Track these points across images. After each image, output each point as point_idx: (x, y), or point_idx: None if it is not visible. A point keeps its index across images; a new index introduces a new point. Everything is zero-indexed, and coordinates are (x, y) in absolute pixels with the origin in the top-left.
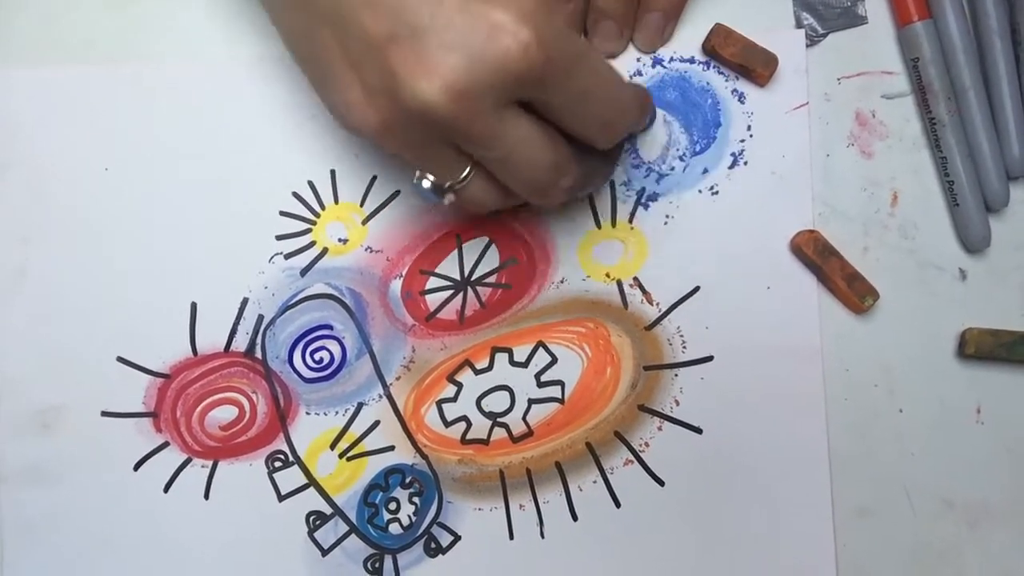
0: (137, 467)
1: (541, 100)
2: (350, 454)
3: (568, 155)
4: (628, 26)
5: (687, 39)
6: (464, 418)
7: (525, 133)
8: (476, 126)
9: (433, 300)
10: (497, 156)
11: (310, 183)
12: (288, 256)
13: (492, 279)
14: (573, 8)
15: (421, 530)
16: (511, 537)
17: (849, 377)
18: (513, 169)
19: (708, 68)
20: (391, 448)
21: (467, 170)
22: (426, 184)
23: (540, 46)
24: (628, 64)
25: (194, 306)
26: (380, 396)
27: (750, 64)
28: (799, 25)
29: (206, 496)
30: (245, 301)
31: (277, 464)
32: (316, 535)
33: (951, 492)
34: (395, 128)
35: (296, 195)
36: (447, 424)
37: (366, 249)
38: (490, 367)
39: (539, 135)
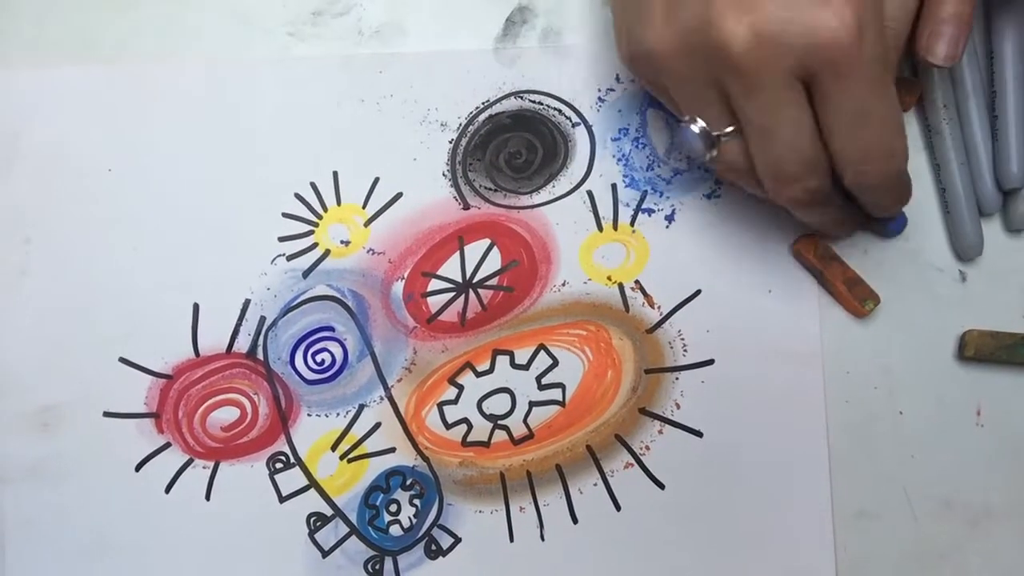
0: (139, 468)
1: (827, 92)
2: (351, 456)
3: (826, 163)
4: (966, 33)
5: None
6: (465, 420)
7: (798, 114)
8: (762, 80)
9: (435, 302)
10: (762, 123)
11: (312, 185)
12: (290, 258)
13: (494, 281)
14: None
15: (421, 532)
16: (511, 539)
17: (849, 379)
18: (770, 143)
19: None
20: (392, 450)
21: (730, 128)
22: (696, 128)
23: (857, 33)
24: None
25: (196, 307)
26: (381, 398)
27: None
28: None
29: (207, 497)
30: (247, 302)
31: (278, 465)
32: (317, 536)
33: (951, 494)
34: (686, 54)
35: (298, 196)
36: (448, 426)
37: (368, 251)
38: (491, 369)
39: (810, 124)
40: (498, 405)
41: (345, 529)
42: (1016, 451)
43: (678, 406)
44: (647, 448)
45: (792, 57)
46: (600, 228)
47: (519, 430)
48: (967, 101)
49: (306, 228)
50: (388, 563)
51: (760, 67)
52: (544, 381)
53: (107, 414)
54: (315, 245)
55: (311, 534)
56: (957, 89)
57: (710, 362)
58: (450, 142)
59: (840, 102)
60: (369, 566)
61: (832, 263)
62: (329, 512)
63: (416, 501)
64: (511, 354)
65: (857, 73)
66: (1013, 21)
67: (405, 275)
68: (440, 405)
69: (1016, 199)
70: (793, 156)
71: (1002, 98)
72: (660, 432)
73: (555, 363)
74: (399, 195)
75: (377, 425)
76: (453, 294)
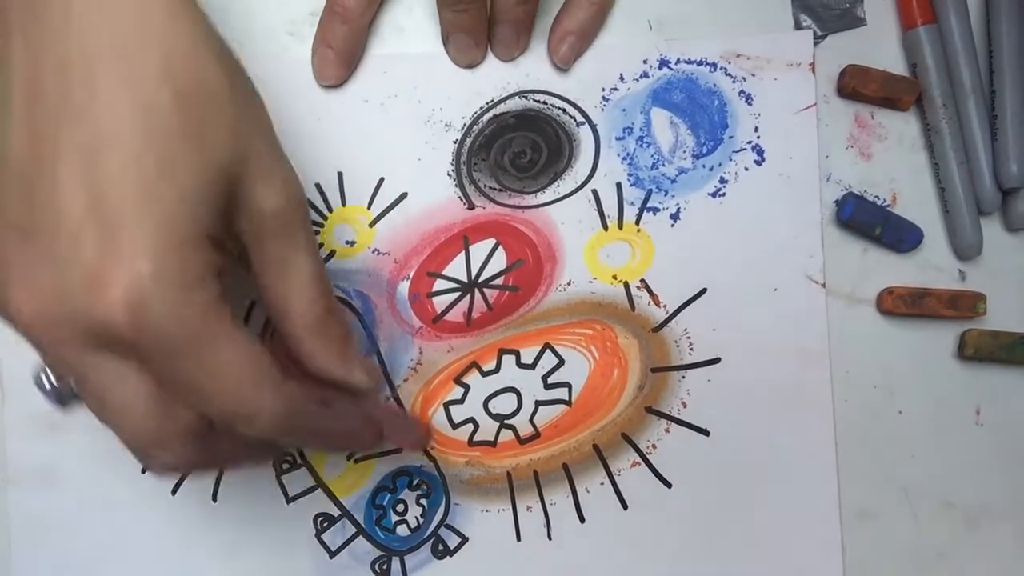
0: (145, 469)
1: (147, 366)
2: (357, 456)
3: (179, 430)
4: (525, 32)
5: (696, 41)
6: (471, 420)
7: (116, 380)
8: (54, 352)
9: (440, 302)
10: (86, 393)
11: (317, 185)
12: None
13: (499, 281)
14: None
15: (428, 532)
16: (518, 539)
17: (849, 378)
18: (103, 414)
19: (715, 70)
20: (399, 450)
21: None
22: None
23: (138, 315)
24: (634, 66)
25: None
26: (388, 398)
27: (895, 95)
28: (798, 27)
29: (214, 498)
30: (252, 303)
31: (285, 466)
32: (323, 537)
33: (951, 493)
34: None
35: None
36: (454, 426)
37: (373, 251)
38: (497, 369)
39: (140, 389)
40: (504, 405)
41: (352, 529)
42: (1016, 451)
43: (685, 405)
44: (654, 447)
45: (74, 331)
46: (605, 227)
47: (525, 429)
48: (966, 100)
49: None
50: (395, 563)
51: (46, 340)
52: (550, 380)
53: None
54: (320, 246)
55: (318, 534)
56: (956, 88)
57: (716, 360)
58: (455, 142)
59: (166, 378)
60: (376, 566)
61: (923, 300)
62: (336, 512)
63: (423, 501)
64: (517, 353)
65: (161, 353)
66: (1012, 21)
67: (410, 275)
68: (446, 405)
69: (1015, 198)
70: (134, 427)
71: (1001, 97)
72: (667, 431)
73: (561, 362)
74: (404, 195)
75: None
76: (458, 294)
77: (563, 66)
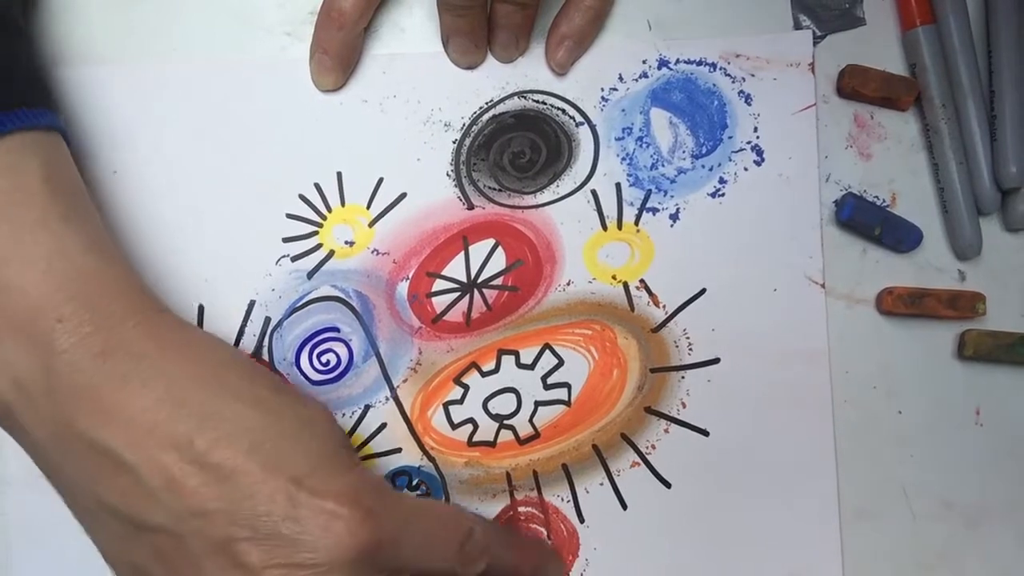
0: None
1: (400, 561)
2: (357, 456)
3: None
4: (524, 36)
5: (693, 41)
6: (471, 420)
7: None
8: None
9: (440, 302)
10: None
11: (316, 185)
12: (295, 258)
13: (499, 281)
14: None
15: None
16: None
17: (848, 378)
18: None
19: (715, 70)
20: (398, 450)
21: None
22: None
23: (367, 518)
24: (633, 66)
25: (201, 308)
26: (387, 398)
27: (894, 95)
28: (797, 27)
29: None
30: (252, 303)
31: None
32: None
33: (950, 493)
34: None
35: (302, 197)
36: (454, 426)
37: (373, 251)
38: (497, 369)
39: None
40: (504, 405)
41: None
42: (1015, 451)
43: (684, 405)
44: (653, 447)
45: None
46: (604, 227)
47: (525, 430)
48: (965, 100)
49: (310, 229)
50: None
51: None
52: (550, 381)
53: None
54: (319, 246)
55: None
56: (955, 88)
57: (716, 361)
58: (454, 142)
59: (411, 555)
60: None
61: (925, 300)
62: None
63: None
64: (516, 354)
65: (398, 531)
66: (1011, 21)
67: (410, 275)
68: (446, 405)
69: (1014, 198)
70: None
71: (1000, 98)
72: (666, 431)
73: (560, 363)
74: (403, 195)
75: (383, 425)
76: (458, 294)
77: (560, 71)
